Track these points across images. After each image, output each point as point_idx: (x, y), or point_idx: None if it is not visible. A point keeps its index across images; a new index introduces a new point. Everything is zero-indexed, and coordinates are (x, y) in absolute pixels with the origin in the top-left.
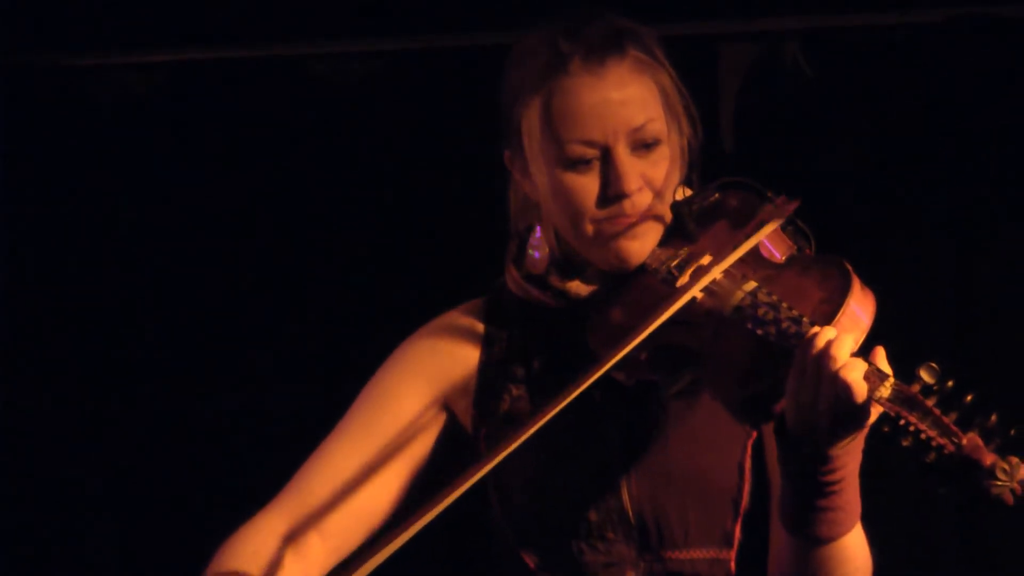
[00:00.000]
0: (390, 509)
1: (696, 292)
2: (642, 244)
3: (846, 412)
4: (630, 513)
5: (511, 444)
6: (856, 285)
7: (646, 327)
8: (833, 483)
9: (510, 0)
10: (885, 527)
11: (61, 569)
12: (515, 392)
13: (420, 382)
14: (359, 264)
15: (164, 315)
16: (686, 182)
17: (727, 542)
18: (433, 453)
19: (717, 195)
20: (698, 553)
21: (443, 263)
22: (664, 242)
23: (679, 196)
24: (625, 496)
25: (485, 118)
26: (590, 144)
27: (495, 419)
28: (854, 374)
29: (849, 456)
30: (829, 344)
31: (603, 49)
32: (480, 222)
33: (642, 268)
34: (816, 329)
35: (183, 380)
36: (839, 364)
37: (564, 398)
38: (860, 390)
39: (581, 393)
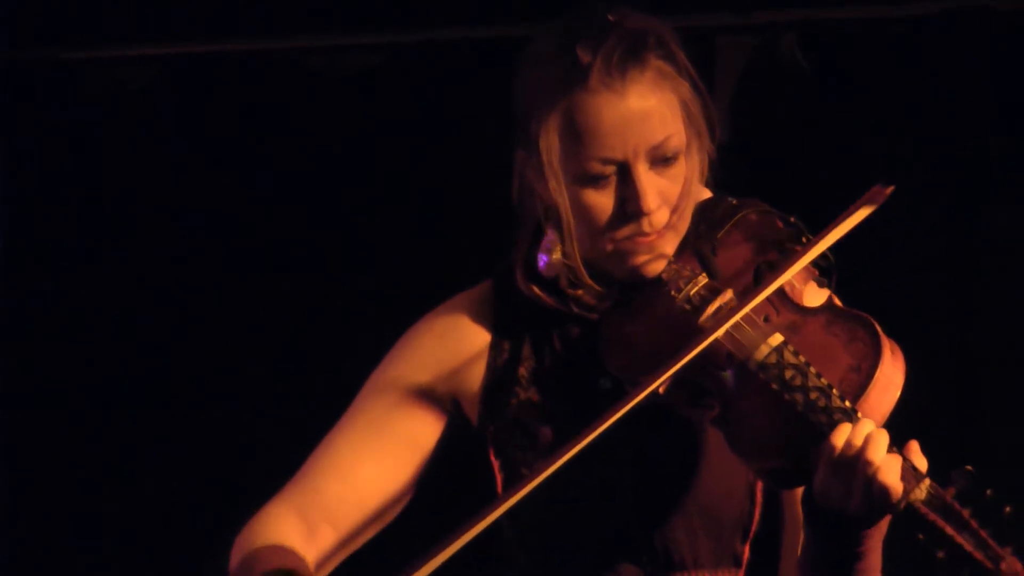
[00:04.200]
0: (401, 502)
1: (719, 334)
2: (660, 257)
3: (878, 506)
4: (638, 535)
5: (539, 476)
6: (886, 353)
7: (667, 369)
8: (859, 554)
9: None
10: None
11: (61, 569)
12: (523, 395)
13: (428, 377)
14: (357, 259)
15: (162, 310)
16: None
17: (736, 562)
18: (440, 445)
19: (736, 217)
20: (706, 574)
21: (441, 257)
22: (680, 253)
23: (698, 197)
24: (634, 518)
25: (484, 114)
26: (608, 162)
27: (504, 419)
28: (891, 477)
29: (876, 530)
30: (866, 442)
31: (623, 61)
32: (479, 216)
33: (658, 280)
34: (846, 427)
35: (180, 378)
36: (875, 467)
37: (590, 433)
38: (896, 492)
39: (591, 413)
